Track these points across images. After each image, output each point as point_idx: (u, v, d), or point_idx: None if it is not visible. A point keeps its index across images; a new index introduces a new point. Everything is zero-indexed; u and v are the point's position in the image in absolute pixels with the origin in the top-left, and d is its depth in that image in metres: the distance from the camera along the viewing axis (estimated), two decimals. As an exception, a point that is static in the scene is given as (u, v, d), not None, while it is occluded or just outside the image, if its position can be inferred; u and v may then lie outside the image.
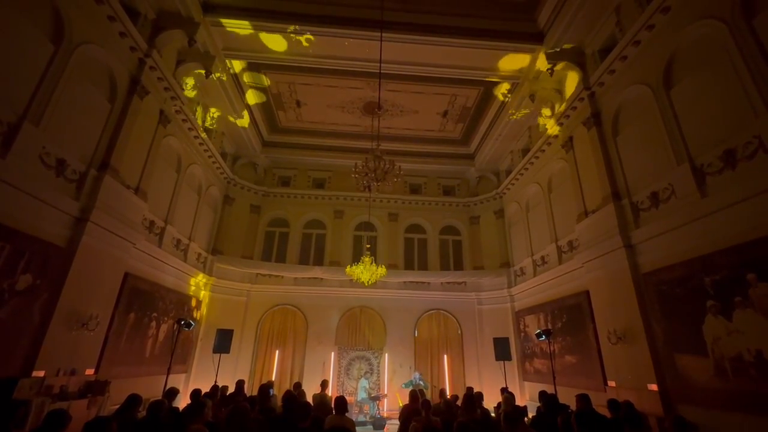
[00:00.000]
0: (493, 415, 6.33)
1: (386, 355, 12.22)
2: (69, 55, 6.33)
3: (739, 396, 5.08)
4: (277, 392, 9.89)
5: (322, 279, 12.98)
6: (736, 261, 5.24)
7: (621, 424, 4.21)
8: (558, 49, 8.96)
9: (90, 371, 6.86)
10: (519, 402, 10.56)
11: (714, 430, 5.37)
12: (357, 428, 9.31)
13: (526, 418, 6.13)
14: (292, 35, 9.00)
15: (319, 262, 13.42)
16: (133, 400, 3.92)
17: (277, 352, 12.07)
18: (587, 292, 8.56)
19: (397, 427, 6.03)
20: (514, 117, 11.38)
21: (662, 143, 6.75)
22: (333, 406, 4.96)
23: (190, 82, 10.02)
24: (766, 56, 5.14)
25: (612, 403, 5.45)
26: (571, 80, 9.42)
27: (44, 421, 3.23)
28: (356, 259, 10.43)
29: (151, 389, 8.28)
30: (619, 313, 7.36)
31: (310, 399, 7.98)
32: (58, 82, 6.15)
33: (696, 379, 5.75)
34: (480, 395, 6.62)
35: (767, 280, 4.82)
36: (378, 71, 8.22)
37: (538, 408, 6.39)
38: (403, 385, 10.92)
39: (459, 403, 6.70)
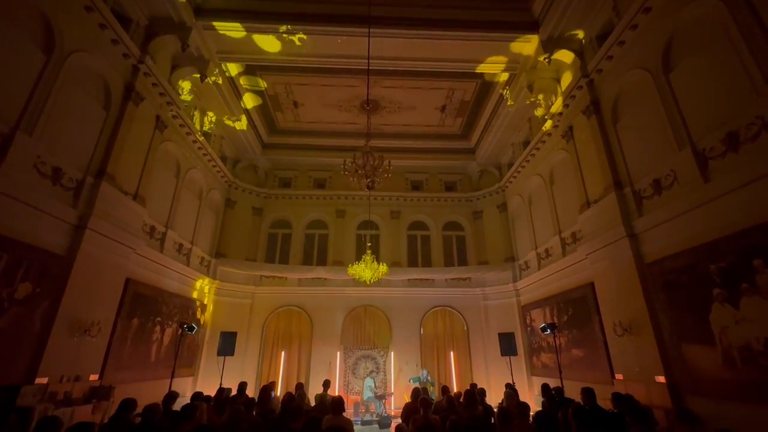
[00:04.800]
0: (496, 411, 6.23)
1: (392, 353, 12.16)
2: (61, 64, 6.37)
3: (749, 386, 4.91)
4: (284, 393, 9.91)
5: (325, 279, 12.97)
6: (742, 247, 5.06)
7: (622, 418, 4.10)
8: (554, 37, 8.78)
9: (94, 377, 6.93)
10: (527, 397, 10.48)
11: (724, 421, 5.18)
12: (364, 428, 9.37)
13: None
14: (284, 35, 8.97)
15: (322, 262, 13.41)
16: (127, 405, 3.93)
17: (283, 353, 12.11)
18: (592, 284, 8.39)
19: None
20: (513, 109, 11.21)
21: (663, 128, 6.57)
22: (330, 406, 4.92)
23: (185, 86, 10.06)
24: (766, 32, 4.94)
25: (616, 397, 5.33)
26: (569, 68, 9.23)
27: (36, 427, 3.24)
28: (359, 258, 10.39)
29: (156, 393, 8.29)
30: (625, 304, 7.20)
31: (312, 399, 7.98)
32: (51, 91, 6.20)
33: (704, 369, 5.58)
34: (482, 391, 6.53)
35: (774, 266, 4.65)
36: (371, 68, 8.14)
37: (543, 402, 6.28)
38: (411, 380, 10.86)
39: (462, 400, 6.62)
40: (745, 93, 5.20)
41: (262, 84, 11.00)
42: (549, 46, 8.85)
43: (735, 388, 5.09)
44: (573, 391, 6.84)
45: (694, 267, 5.81)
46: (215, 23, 8.75)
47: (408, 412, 5.65)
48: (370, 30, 7.44)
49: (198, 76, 9.61)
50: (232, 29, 8.88)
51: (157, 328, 9.11)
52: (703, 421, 5.22)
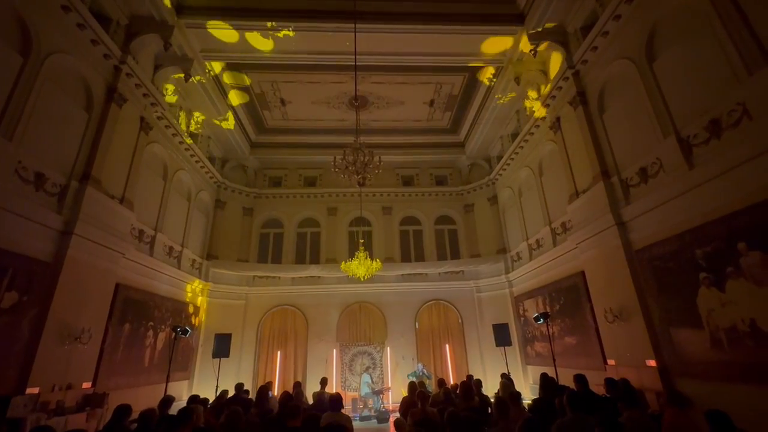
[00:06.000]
0: (493, 401, 6.31)
1: (388, 348, 12.22)
2: (39, 66, 6.20)
3: (736, 367, 5.04)
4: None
5: (319, 277, 12.95)
6: (726, 231, 5.18)
7: (614, 403, 4.18)
8: (540, 29, 8.82)
9: (87, 384, 6.83)
10: (522, 386, 10.65)
11: (713, 402, 5.31)
12: (362, 423, 9.42)
13: (527, 402, 6.13)
14: (269, 32, 8.85)
15: (315, 260, 13.37)
16: (122, 411, 3.88)
17: (279, 353, 12.07)
18: (582, 273, 8.52)
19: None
20: (501, 101, 11.27)
21: (648, 117, 6.66)
22: (328, 403, 4.92)
23: (170, 87, 9.88)
24: (746, 20, 5.03)
25: (609, 382, 5.44)
26: (555, 60, 9.29)
27: (28, 439, 3.19)
28: (352, 255, 10.38)
29: (151, 398, 8.22)
30: (615, 292, 7.33)
31: (310, 397, 7.99)
32: (30, 94, 6.04)
33: (693, 352, 5.72)
34: (479, 382, 6.60)
35: (757, 249, 4.77)
36: (359, 64, 8.08)
37: (539, 390, 6.37)
38: (408, 376, 10.93)
39: (459, 391, 6.68)
40: (727, 80, 5.30)
41: (248, 81, 10.86)
42: (534, 38, 8.89)
43: (723, 369, 5.23)
44: (567, 379, 6.96)
45: (680, 252, 5.94)
46: (197, 21, 8.59)
47: (406, 405, 5.68)
48: (356, 25, 7.38)
49: (182, 75, 9.44)
50: (214, 27, 8.72)
51: (150, 332, 9.01)
52: (693, 402, 5.37)
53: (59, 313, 6.24)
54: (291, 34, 8.89)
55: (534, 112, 10.34)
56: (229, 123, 12.00)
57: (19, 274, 5.66)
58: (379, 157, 5.82)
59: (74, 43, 6.90)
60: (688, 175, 5.80)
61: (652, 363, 6.36)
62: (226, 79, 10.66)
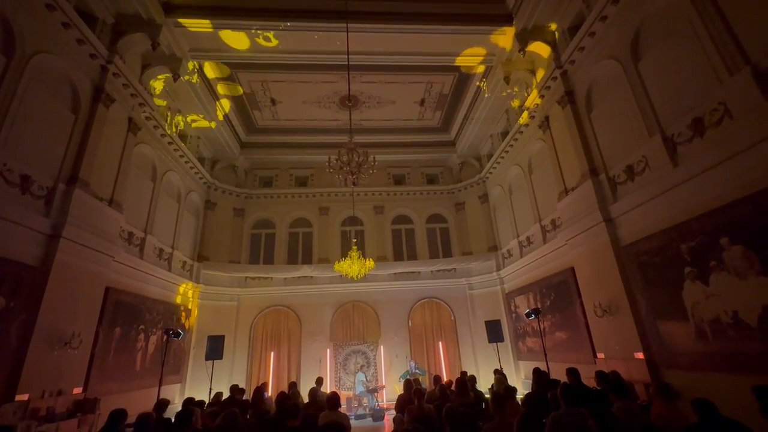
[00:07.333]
0: (487, 396, 6.41)
1: (381, 347, 12.28)
2: (23, 66, 6.08)
3: (720, 357, 5.23)
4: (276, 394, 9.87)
5: (311, 277, 12.93)
6: (710, 226, 5.35)
7: (606, 395, 4.31)
8: (528, 29, 8.95)
9: (78, 390, 6.72)
10: (514, 381, 10.81)
11: (698, 391, 5.47)
12: (357, 422, 9.45)
13: (519, 397, 6.24)
14: (259, 32, 8.79)
15: (307, 260, 13.34)
16: (117, 416, 3.84)
17: (272, 353, 12.03)
18: (572, 269, 8.69)
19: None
20: (491, 101, 11.39)
21: (634, 116, 6.83)
22: (326, 402, 4.95)
23: (158, 87, 9.74)
24: (726, 22, 5.20)
25: (600, 375, 5.57)
26: (543, 60, 9.43)
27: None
28: (344, 254, 10.40)
29: (144, 403, 8.13)
30: (604, 287, 7.50)
31: (305, 397, 7.99)
32: (15, 95, 5.92)
33: (679, 344, 5.90)
34: (473, 378, 6.70)
35: (739, 243, 4.95)
36: (350, 63, 8.10)
37: (532, 385, 6.49)
38: (400, 378, 11.00)
39: (454, 388, 6.77)
40: (709, 80, 5.46)
41: (237, 81, 10.77)
42: (523, 38, 9.01)
43: (707, 359, 5.41)
44: (559, 373, 7.10)
45: (666, 248, 6.11)
46: (186, 21, 8.49)
47: (403, 403, 5.75)
48: (348, 25, 7.39)
49: (170, 75, 9.31)
50: (204, 26, 8.63)
51: (141, 336, 8.89)
52: (680, 391, 5.54)
53: (48, 318, 6.13)
54: (281, 33, 8.84)
55: (523, 111, 10.48)
56: (219, 123, 11.87)
57: (6, 279, 5.54)
58: (374, 157, 5.85)
59: (60, 42, 6.77)
60: (673, 172, 5.97)
61: (640, 355, 6.54)
62: (216, 78, 10.53)
